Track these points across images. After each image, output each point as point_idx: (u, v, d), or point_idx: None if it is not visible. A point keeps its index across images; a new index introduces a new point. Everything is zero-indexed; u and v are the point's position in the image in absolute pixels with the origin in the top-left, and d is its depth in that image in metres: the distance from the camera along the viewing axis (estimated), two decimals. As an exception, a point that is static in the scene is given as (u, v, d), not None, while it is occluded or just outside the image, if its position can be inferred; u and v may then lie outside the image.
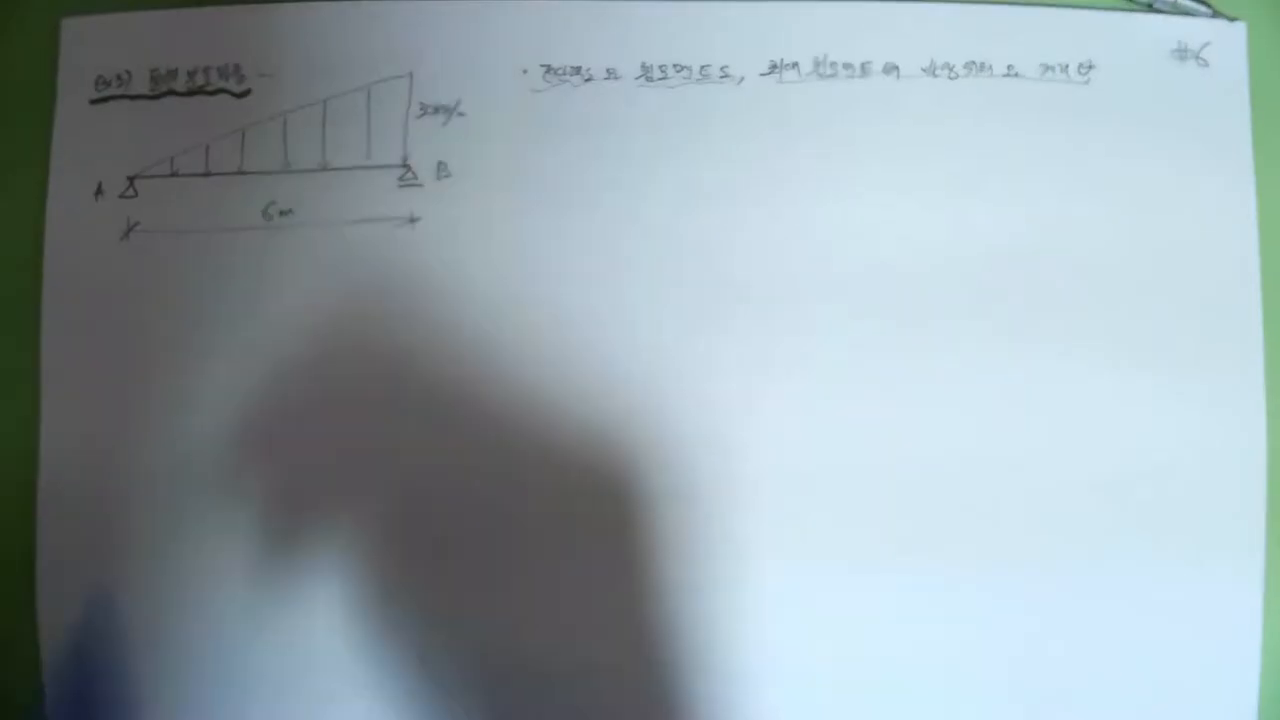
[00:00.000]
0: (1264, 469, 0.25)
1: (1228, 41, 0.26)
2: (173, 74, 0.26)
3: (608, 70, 0.26)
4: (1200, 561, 0.25)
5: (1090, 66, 0.26)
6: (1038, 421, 0.25)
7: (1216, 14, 0.26)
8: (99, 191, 0.25)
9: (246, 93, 0.26)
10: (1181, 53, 0.26)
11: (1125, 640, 0.25)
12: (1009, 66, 0.26)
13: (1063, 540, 0.25)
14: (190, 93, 0.26)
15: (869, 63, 0.26)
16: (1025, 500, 0.25)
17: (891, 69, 0.26)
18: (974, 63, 0.26)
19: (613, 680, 0.24)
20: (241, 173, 0.25)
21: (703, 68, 0.26)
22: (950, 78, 0.26)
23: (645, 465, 0.25)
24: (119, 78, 0.26)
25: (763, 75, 0.26)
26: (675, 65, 0.26)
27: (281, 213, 0.25)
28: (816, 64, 0.26)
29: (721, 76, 0.26)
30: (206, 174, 0.26)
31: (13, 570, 0.25)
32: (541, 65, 0.26)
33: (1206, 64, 0.26)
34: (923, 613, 0.25)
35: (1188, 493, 0.25)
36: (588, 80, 0.26)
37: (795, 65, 0.26)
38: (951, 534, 0.25)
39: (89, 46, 0.26)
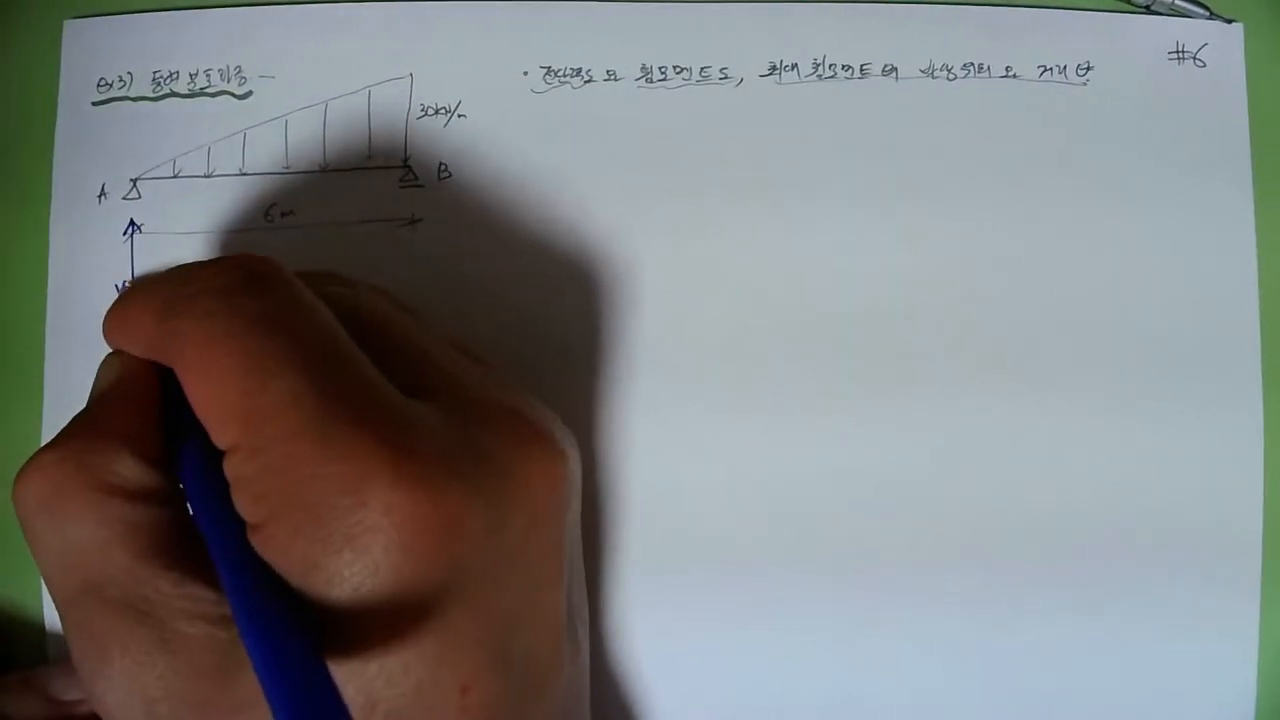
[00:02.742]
0: (1260, 483, 0.25)
1: (1225, 43, 0.26)
2: (174, 76, 0.26)
3: (608, 72, 0.26)
4: (1195, 577, 0.25)
5: (1088, 68, 0.26)
6: (1032, 431, 0.25)
7: (1214, 15, 0.26)
8: (102, 193, 0.26)
9: (248, 94, 0.26)
10: (1179, 54, 0.26)
11: (1118, 654, 0.25)
12: (1007, 68, 0.26)
13: (1055, 557, 0.25)
14: (192, 95, 0.26)
15: (868, 64, 0.26)
16: (1018, 518, 0.25)
17: (890, 70, 0.26)
18: (972, 64, 0.26)
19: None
20: (243, 174, 0.26)
21: (702, 69, 0.26)
22: (949, 79, 0.26)
23: (635, 468, 0.25)
24: (121, 79, 0.26)
25: (762, 76, 0.26)
26: (675, 67, 0.26)
27: (283, 214, 0.25)
28: (816, 65, 0.26)
29: (721, 78, 0.26)
30: (208, 176, 0.26)
31: (18, 574, 0.25)
32: (542, 67, 0.26)
33: (1204, 65, 0.26)
34: (912, 629, 0.25)
35: (1183, 510, 0.25)
36: (588, 82, 0.26)
37: (794, 67, 0.26)
38: (942, 547, 0.25)
39: (91, 48, 0.26)
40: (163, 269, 0.19)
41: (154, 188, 0.26)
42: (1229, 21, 0.26)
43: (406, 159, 0.26)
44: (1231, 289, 0.26)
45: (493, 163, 0.26)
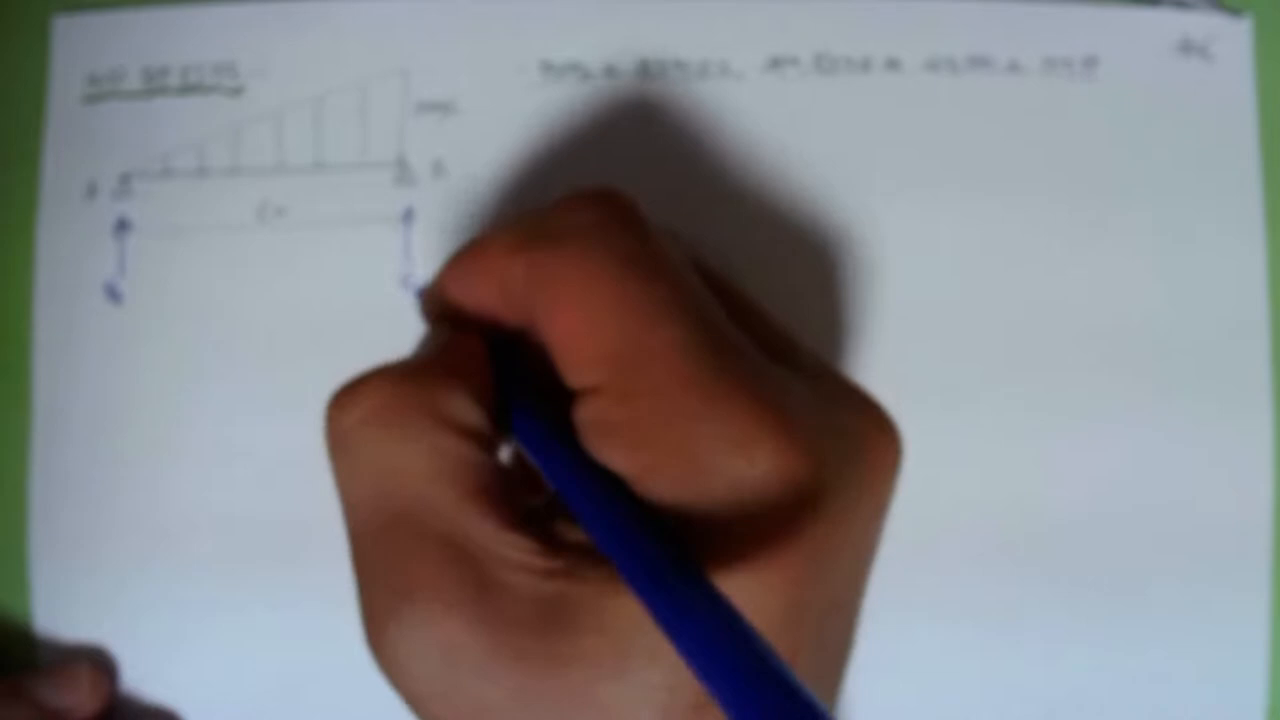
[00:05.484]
0: (1270, 488, 0.25)
1: (1233, 36, 0.26)
2: (166, 72, 0.25)
3: (606, 67, 0.26)
4: (1204, 586, 0.25)
5: (1094, 62, 0.26)
6: (1034, 434, 0.25)
7: (1221, 8, 0.26)
8: (92, 191, 0.25)
9: (240, 90, 0.25)
10: (1186, 47, 0.26)
11: (1125, 663, 0.25)
12: (1012, 62, 0.26)
13: (1061, 564, 0.25)
14: (184, 91, 0.25)
15: (870, 58, 0.26)
16: (1021, 523, 0.25)
17: (893, 65, 0.26)
18: (976, 58, 0.26)
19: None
20: (235, 171, 0.25)
21: (702, 64, 0.26)
22: (952, 73, 0.26)
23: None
24: (111, 76, 0.25)
25: (763, 72, 0.26)
26: (675, 62, 0.26)
27: (276, 211, 0.25)
28: (817, 60, 0.26)
29: (721, 73, 0.26)
30: (200, 173, 0.25)
31: (8, 580, 0.25)
32: (539, 62, 0.26)
33: (1212, 58, 0.26)
34: (912, 637, 0.25)
35: (1192, 515, 0.25)
36: (586, 77, 0.26)
37: (796, 61, 0.26)
38: (944, 553, 0.25)
39: (81, 45, 0.26)
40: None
41: (144, 185, 0.25)
42: (1237, 14, 0.26)
43: (402, 155, 0.25)
44: (1239, 281, 0.25)
45: (489, 159, 0.25)
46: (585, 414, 0.17)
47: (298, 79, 0.25)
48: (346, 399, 0.17)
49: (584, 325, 0.17)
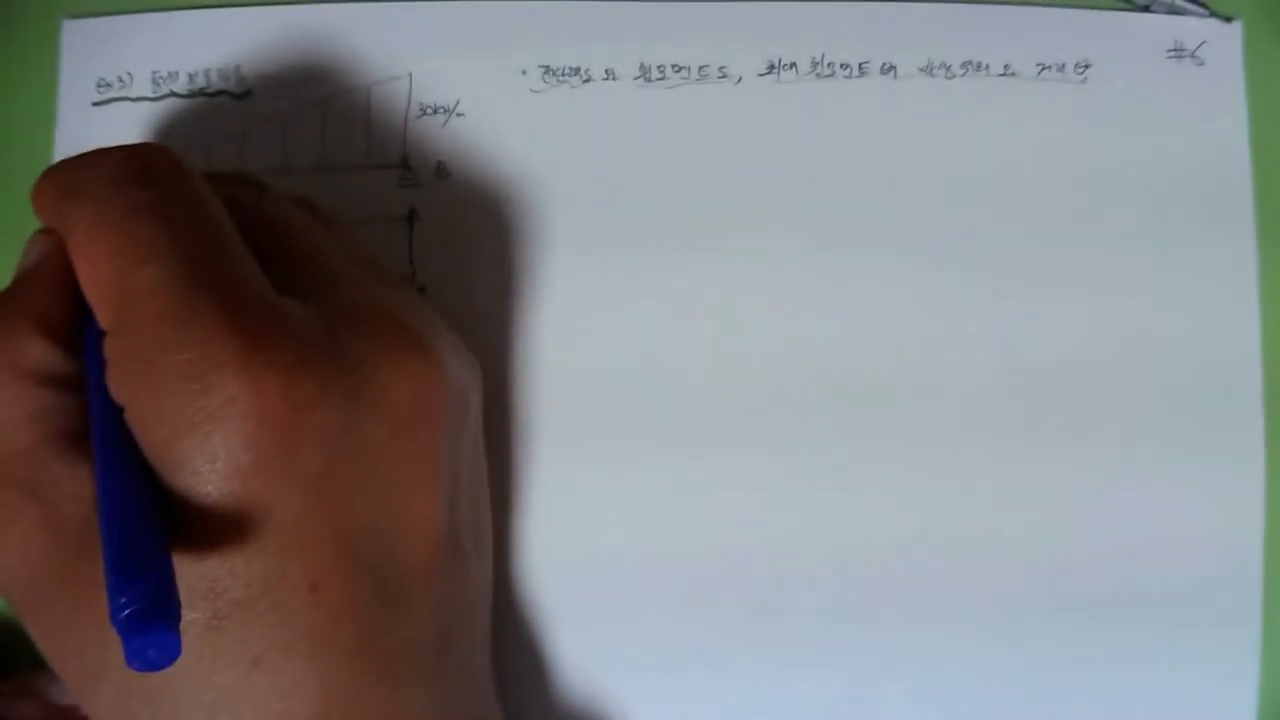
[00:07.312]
0: (1260, 527, 0.25)
1: (1223, 41, 0.26)
2: (174, 76, 0.26)
3: (606, 71, 0.26)
4: (1195, 634, 0.25)
5: (1087, 66, 0.26)
6: (1021, 468, 0.25)
7: (1212, 14, 0.26)
8: (100, 193, 0.26)
9: (247, 94, 0.26)
10: (1178, 52, 0.26)
11: (1114, 711, 0.25)
12: (1006, 66, 0.26)
13: (1054, 611, 0.25)
14: (191, 94, 0.26)
15: (866, 63, 0.26)
16: (1009, 571, 0.25)
17: (889, 69, 0.26)
18: (971, 62, 0.26)
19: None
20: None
21: (701, 68, 0.26)
22: (947, 77, 0.26)
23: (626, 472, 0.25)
24: (120, 80, 0.26)
25: (761, 75, 0.26)
26: (674, 66, 0.26)
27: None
28: (814, 64, 0.26)
29: (720, 77, 0.26)
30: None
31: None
32: (540, 66, 0.26)
33: (1202, 63, 0.26)
34: (905, 682, 0.25)
35: (1182, 564, 0.25)
36: (586, 81, 0.26)
37: (793, 65, 0.26)
38: (936, 603, 0.25)
39: (90, 49, 0.26)
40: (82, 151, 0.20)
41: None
42: (1227, 20, 0.26)
43: (405, 158, 0.26)
44: (1230, 289, 0.26)
45: (491, 162, 0.26)
46: (103, 351, 0.18)
47: (303, 82, 0.26)
48: None
49: (88, 268, 0.18)
